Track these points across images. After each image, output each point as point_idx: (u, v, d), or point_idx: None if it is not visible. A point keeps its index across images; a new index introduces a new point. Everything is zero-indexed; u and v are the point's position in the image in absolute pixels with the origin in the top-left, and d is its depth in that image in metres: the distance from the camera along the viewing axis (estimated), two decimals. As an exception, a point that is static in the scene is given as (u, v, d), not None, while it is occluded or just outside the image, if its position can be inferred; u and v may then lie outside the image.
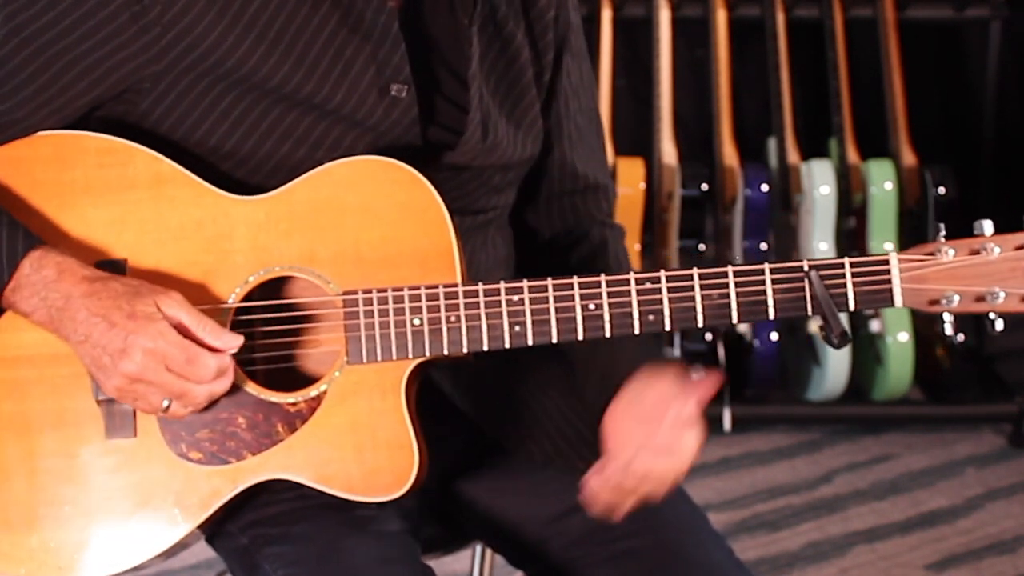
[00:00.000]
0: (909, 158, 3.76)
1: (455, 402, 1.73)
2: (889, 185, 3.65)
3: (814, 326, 3.57)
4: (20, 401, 1.56)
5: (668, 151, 3.77)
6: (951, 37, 4.25)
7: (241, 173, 1.60)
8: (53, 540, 1.55)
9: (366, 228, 1.56)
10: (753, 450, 3.61)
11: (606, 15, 3.80)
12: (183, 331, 1.50)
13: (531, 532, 1.76)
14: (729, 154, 3.78)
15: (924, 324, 3.64)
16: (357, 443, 1.55)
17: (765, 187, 3.70)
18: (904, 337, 3.57)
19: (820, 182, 3.64)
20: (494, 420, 1.76)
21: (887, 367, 3.58)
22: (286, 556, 1.60)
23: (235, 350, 1.52)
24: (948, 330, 1.56)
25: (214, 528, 1.64)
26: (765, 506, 3.36)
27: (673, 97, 3.80)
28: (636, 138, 3.87)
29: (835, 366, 3.57)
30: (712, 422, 3.63)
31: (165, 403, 1.51)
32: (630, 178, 3.72)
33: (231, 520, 1.63)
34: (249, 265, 1.57)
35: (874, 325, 3.59)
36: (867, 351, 3.65)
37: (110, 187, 1.57)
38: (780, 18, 3.78)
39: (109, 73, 1.56)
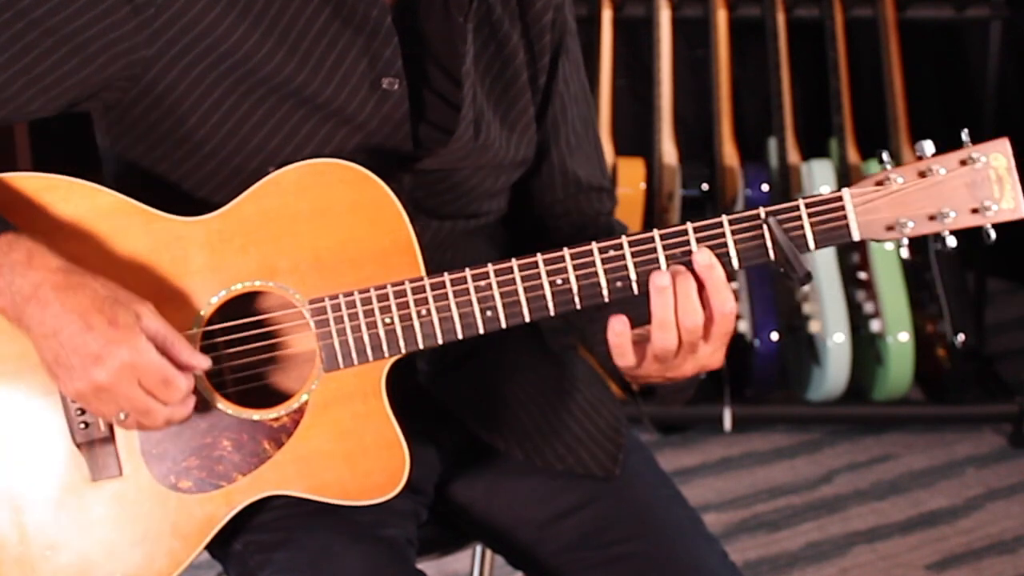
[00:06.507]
0: (910, 158, 3.75)
1: (445, 404, 1.73)
2: (889, 185, 3.64)
3: (815, 326, 3.57)
4: None
5: (668, 151, 3.77)
6: (951, 37, 4.24)
7: (212, 184, 1.59)
8: None
9: (322, 233, 1.53)
10: (753, 450, 3.61)
11: (606, 15, 3.79)
12: (159, 346, 1.47)
13: (525, 535, 1.76)
14: (729, 154, 3.77)
15: (924, 324, 3.64)
16: (346, 449, 1.54)
17: (765, 187, 3.70)
18: (904, 337, 3.56)
19: (820, 182, 3.63)
20: (484, 422, 1.76)
21: (887, 367, 3.57)
22: (279, 563, 1.60)
23: (204, 370, 1.49)
24: (904, 253, 1.59)
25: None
26: (765, 506, 3.35)
27: (673, 97, 3.80)
28: (636, 138, 3.86)
29: (835, 366, 3.56)
30: (712, 422, 3.63)
31: (122, 415, 1.47)
32: (630, 178, 3.71)
33: (226, 527, 1.62)
34: (209, 286, 1.53)
35: (874, 325, 3.58)
36: (867, 351, 3.64)
37: (57, 227, 1.52)
38: (780, 18, 3.77)
39: (100, 52, 1.54)
